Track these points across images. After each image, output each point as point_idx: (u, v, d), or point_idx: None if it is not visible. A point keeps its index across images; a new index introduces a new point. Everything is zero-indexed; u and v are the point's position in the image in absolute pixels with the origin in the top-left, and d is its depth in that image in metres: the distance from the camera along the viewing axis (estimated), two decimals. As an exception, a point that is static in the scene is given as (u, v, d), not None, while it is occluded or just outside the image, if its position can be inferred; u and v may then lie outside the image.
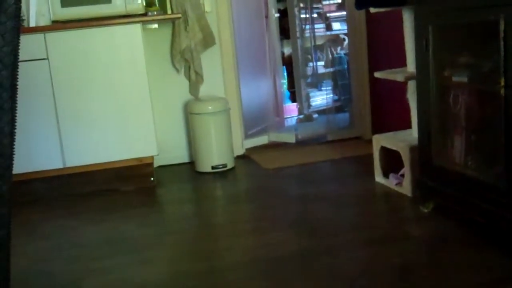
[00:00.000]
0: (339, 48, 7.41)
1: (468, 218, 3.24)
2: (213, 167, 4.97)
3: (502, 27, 2.66)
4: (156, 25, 5.14)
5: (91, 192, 4.63)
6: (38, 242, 3.66)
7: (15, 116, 1.69)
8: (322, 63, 7.27)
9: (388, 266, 2.88)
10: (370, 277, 2.78)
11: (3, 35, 1.65)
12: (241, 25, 5.69)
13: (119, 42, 4.52)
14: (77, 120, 4.51)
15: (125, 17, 4.64)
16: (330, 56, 7.24)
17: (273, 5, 6.33)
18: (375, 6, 4.05)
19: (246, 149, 5.61)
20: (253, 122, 5.90)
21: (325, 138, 5.87)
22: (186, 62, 5.20)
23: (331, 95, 6.74)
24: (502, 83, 2.70)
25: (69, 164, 4.54)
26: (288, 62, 7.39)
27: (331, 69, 7.04)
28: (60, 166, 4.53)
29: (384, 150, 4.15)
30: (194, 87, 5.25)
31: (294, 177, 4.68)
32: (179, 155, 5.40)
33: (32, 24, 4.65)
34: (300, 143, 5.83)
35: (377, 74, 4.16)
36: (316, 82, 7.27)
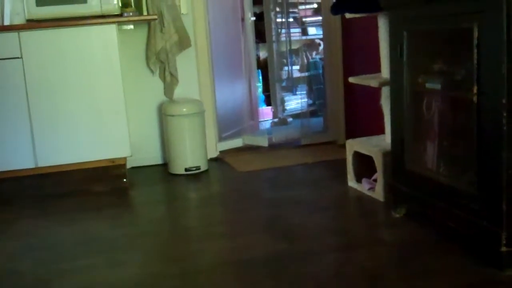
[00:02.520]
0: (314, 53, 7.44)
1: (439, 224, 3.27)
2: (186, 169, 4.96)
3: (475, 34, 2.68)
4: (131, 26, 5.12)
5: (63, 192, 4.59)
6: (9, 242, 3.63)
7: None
8: (297, 67, 7.29)
9: (359, 270, 2.89)
10: (341, 282, 2.79)
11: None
12: (217, 28, 5.69)
13: (94, 43, 4.50)
14: (50, 120, 4.48)
15: (101, 18, 4.62)
16: (306, 60, 7.26)
17: (249, 9, 6.34)
18: (350, 12, 4.07)
19: (220, 152, 5.61)
20: (228, 125, 5.90)
21: (299, 142, 5.89)
22: (161, 64, 5.18)
23: (306, 99, 6.77)
24: (475, 91, 2.72)
25: (41, 164, 4.51)
26: (263, 66, 7.41)
27: (306, 74, 7.06)
28: (32, 165, 4.50)
29: (357, 155, 4.16)
30: (169, 89, 5.24)
31: (268, 181, 4.69)
32: (153, 157, 5.38)
33: (7, 22, 4.62)
34: (274, 147, 5.84)
35: (351, 79, 4.19)
36: (291, 86, 7.29)
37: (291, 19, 7.04)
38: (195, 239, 3.56)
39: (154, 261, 3.23)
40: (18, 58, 4.39)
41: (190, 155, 4.97)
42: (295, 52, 7.32)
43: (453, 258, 2.93)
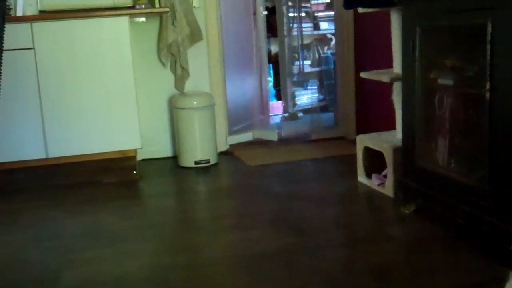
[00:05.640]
0: (326, 48, 7.42)
1: (449, 221, 3.25)
2: (196, 162, 4.97)
3: (489, 30, 2.67)
4: (143, 19, 5.12)
5: (73, 183, 4.60)
6: (19, 232, 3.64)
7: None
8: (309, 62, 7.29)
9: (367, 266, 2.88)
10: (349, 276, 2.79)
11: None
12: (228, 21, 5.68)
13: (106, 35, 4.50)
14: (61, 111, 4.49)
15: (113, 10, 4.63)
16: (317, 55, 7.25)
17: (261, 3, 6.33)
18: (363, 6, 4.06)
19: (230, 145, 5.61)
20: (238, 119, 5.89)
21: (309, 137, 5.88)
22: (173, 57, 5.19)
23: (317, 95, 6.76)
24: (488, 87, 2.71)
25: (52, 155, 4.52)
26: (274, 60, 7.39)
27: (317, 69, 7.06)
28: (43, 156, 4.51)
29: (367, 151, 4.16)
30: (179, 82, 5.24)
31: (277, 175, 4.68)
32: (163, 149, 5.39)
33: (19, 13, 4.62)
34: (284, 141, 5.84)
35: (363, 75, 4.18)
36: (302, 81, 7.29)
37: (303, 14, 7.04)
38: (204, 232, 3.57)
39: (162, 253, 3.24)
40: (30, 49, 4.40)
41: (200, 148, 4.97)
42: (307, 47, 7.31)
43: (462, 255, 2.92)
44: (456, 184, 3.06)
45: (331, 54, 7.05)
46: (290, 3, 6.78)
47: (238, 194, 4.33)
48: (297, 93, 7.21)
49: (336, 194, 4.11)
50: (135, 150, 4.73)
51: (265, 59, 6.59)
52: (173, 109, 5.07)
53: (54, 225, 3.74)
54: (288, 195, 4.12)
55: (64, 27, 4.44)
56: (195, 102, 4.94)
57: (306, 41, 7.27)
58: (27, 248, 3.36)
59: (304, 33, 7.01)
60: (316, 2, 7.20)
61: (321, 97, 6.91)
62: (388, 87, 4.08)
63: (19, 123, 4.44)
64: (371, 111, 5.37)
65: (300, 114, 6.94)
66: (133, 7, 4.78)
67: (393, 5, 3.75)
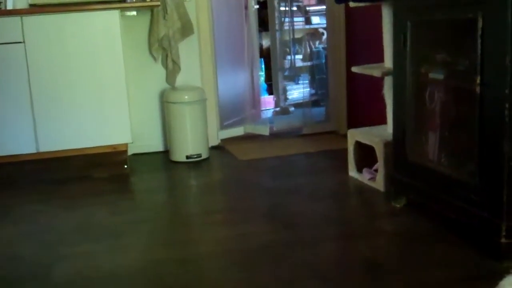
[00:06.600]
0: (317, 42, 7.42)
1: (440, 215, 3.26)
2: (187, 157, 4.96)
3: (480, 24, 2.67)
4: (134, 13, 5.10)
5: (64, 178, 4.59)
6: (9, 227, 3.63)
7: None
8: (300, 56, 7.28)
9: (359, 260, 2.89)
10: (340, 270, 2.79)
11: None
12: (220, 15, 5.67)
13: (96, 28, 4.49)
14: (52, 105, 4.47)
15: (103, 3, 4.61)
16: (309, 49, 7.24)
17: (253, -3, 6.33)
18: (354, 1, 4.05)
19: (222, 140, 5.60)
20: (229, 113, 5.89)
21: (300, 131, 5.88)
22: (164, 51, 5.17)
23: (308, 89, 6.75)
24: (478, 81, 2.72)
25: (43, 149, 4.51)
26: (266, 55, 7.39)
27: (309, 63, 7.05)
28: (33, 151, 4.50)
29: (358, 145, 4.16)
30: (171, 76, 5.22)
31: (269, 169, 4.68)
32: (154, 144, 5.38)
33: (9, 7, 4.60)
34: (276, 136, 5.83)
35: (354, 69, 4.18)
36: (294, 76, 7.28)
37: (294, 8, 7.03)
38: (195, 226, 3.57)
39: (154, 247, 3.23)
40: (20, 42, 4.38)
41: (191, 142, 4.96)
42: (298, 41, 7.30)
43: (453, 249, 2.93)
44: (447, 178, 3.06)
45: (323, 48, 7.04)
46: (281, -3, 6.77)
47: (230, 188, 4.33)
48: (288, 87, 7.21)
49: (328, 188, 4.12)
50: (126, 145, 4.72)
51: (257, 54, 6.58)
52: (164, 103, 5.06)
53: (45, 220, 3.72)
54: (280, 189, 4.12)
55: (54, 20, 4.42)
56: (186, 97, 4.93)
57: (297, 36, 7.26)
58: (18, 243, 3.36)
59: (295, 27, 7.01)
60: (307, -4, 7.20)
61: (313, 91, 6.91)
62: (379, 81, 4.09)
63: (9, 117, 4.42)
64: (362, 105, 5.37)
65: (292, 109, 6.94)
66: (124, 1, 4.77)
67: (384, -1, 3.76)
